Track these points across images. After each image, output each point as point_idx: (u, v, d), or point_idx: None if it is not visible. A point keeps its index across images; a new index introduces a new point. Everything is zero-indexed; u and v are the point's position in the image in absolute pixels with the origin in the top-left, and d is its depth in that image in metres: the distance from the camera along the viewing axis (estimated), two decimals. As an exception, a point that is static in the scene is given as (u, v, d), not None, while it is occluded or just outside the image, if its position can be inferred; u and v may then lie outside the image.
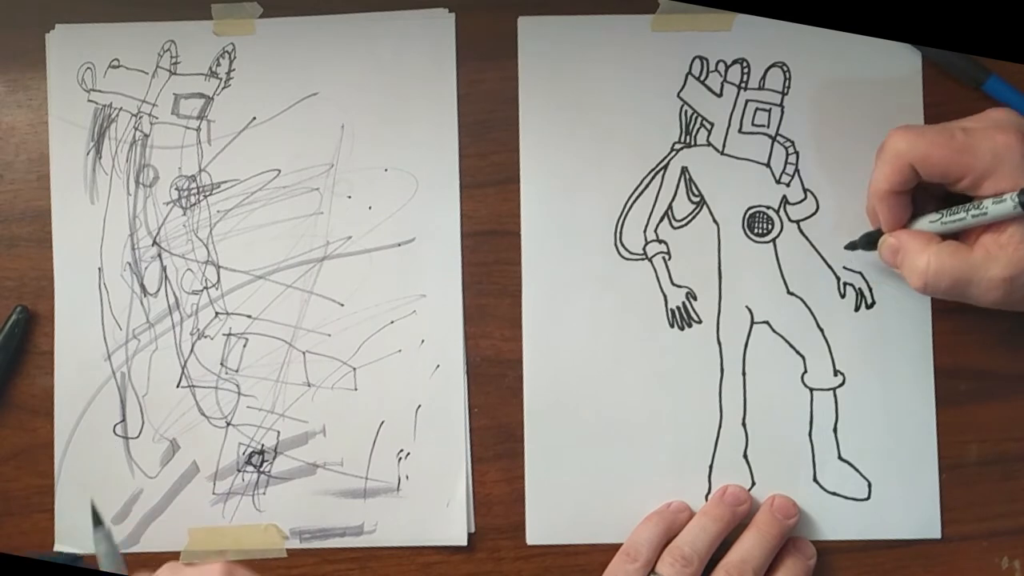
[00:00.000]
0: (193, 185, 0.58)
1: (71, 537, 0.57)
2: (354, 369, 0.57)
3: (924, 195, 0.52)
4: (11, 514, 0.57)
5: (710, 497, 0.55)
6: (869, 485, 0.56)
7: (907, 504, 0.55)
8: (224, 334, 0.57)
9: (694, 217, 0.57)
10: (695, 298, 0.56)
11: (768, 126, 0.57)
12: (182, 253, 0.57)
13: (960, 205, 0.50)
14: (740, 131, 0.57)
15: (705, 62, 0.57)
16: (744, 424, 0.56)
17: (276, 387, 0.57)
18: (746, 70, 0.57)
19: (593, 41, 0.57)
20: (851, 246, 0.55)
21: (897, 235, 0.52)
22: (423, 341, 0.57)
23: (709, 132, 0.57)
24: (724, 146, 0.57)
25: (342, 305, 0.57)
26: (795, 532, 0.55)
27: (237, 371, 0.57)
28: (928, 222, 0.51)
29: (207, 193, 0.57)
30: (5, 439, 0.57)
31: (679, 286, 0.56)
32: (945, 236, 0.51)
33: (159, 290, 0.57)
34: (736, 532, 0.54)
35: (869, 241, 0.54)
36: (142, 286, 0.57)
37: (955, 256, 0.49)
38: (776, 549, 0.54)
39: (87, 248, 0.57)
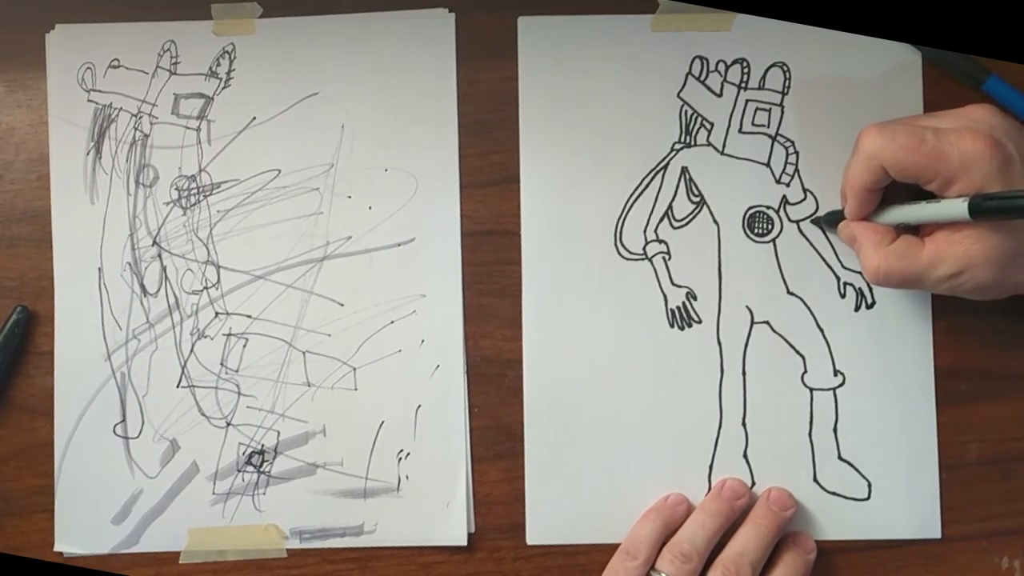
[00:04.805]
0: (193, 185, 0.58)
1: (71, 537, 0.57)
2: (354, 369, 0.57)
3: (897, 184, 0.52)
4: (11, 514, 0.57)
5: (709, 492, 0.55)
6: (869, 485, 0.56)
7: (907, 504, 0.55)
8: (224, 334, 0.57)
9: (694, 217, 0.57)
10: (695, 298, 0.56)
11: (768, 126, 0.57)
12: (182, 253, 0.57)
13: (919, 202, 0.50)
14: (740, 131, 0.57)
15: (705, 62, 0.57)
16: (744, 424, 0.56)
17: (276, 387, 0.57)
18: (746, 70, 0.57)
19: (593, 41, 0.57)
20: (816, 221, 0.56)
21: (854, 227, 0.53)
22: (423, 341, 0.57)
23: (709, 132, 0.57)
24: (724, 146, 0.57)
25: (342, 305, 0.57)
26: (795, 530, 0.55)
27: (237, 371, 0.57)
28: (888, 215, 0.52)
29: (207, 193, 0.57)
30: (5, 439, 0.57)
31: (679, 286, 0.56)
32: (903, 227, 0.52)
33: (159, 290, 0.57)
34: (735, 525, 0.54)
35: (831, 221, 0.55)
36: (142, 286, 0.57)
37: (904, 258, 0.50)
38: (773, 542, 0.54)
39: (87, 248, 0.57)
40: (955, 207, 0.48)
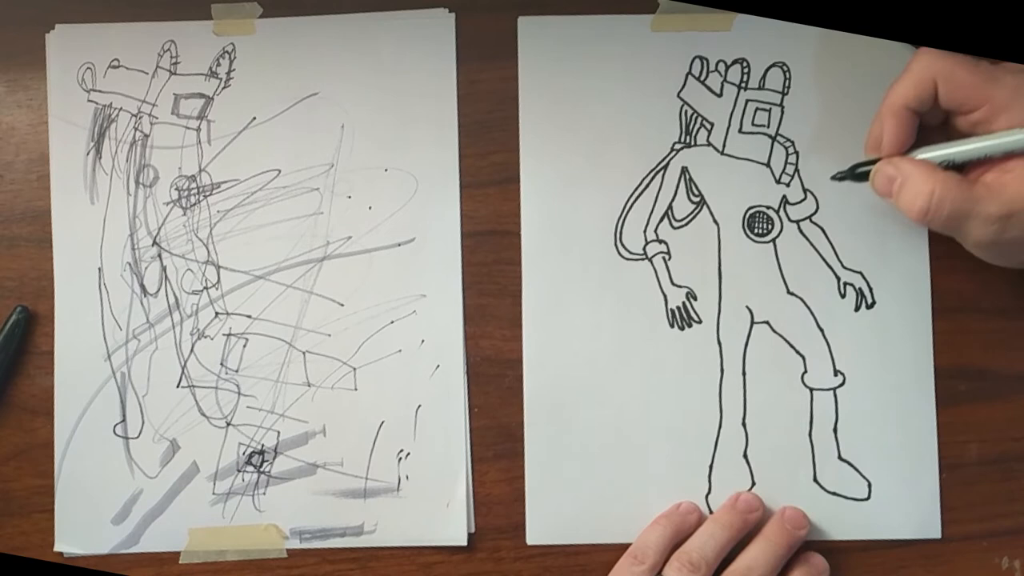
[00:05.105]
0: (193, 185, 0.58)
1: (71, 537, 0.57)
2: (354, 369, 0.57)
3: (924, 136, 0.51)
4: (11, 514, 0.57)
5: (723, 503, 0.55)
6: (869, 485, 0.56)
7: (907, 504, 0.55)
8: (224, 334, 0.57)
9: (694, 217, 0.57)
10: (695, 298, 0.56)
11: (768, 126, 0.57)
12: (182, 253, 0.57)
13: (970, 137, 0.49)
14: (740, 131, 0.57)
15: (705, 62, 0.57)
16: (744, 424, 0.56)
17: (276, 387, 0.57)
18: (746, 70, 0.57)
19: (593, 41, 0.57)
20: (838, 176, 0.54)
21: (896, 163, 0.50)
22: (423, 341, 0.57)
23: (709, 132, 0.57)
24: (724, 146, 0.57)
25: (342, 305, 0.57)
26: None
27: (237, 371, 0.57)
28: (930, 152, 0.50)
29: (207, 193, 0.57)
30: (5, 439, 0.57)
31: (679, 286, 0.56)
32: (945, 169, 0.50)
33: (159, 290, 0.57)
34: (745, 541, 0.54)
35: (858, 173, 0.53)
36: (142, 286, 0.57)
37: (959, 187, 0.47)
38: (783, 560, 0.53)
39: (87, 248, 0.57)
40: (1016, 136, 0.46)
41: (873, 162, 0.52)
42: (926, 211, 0.48)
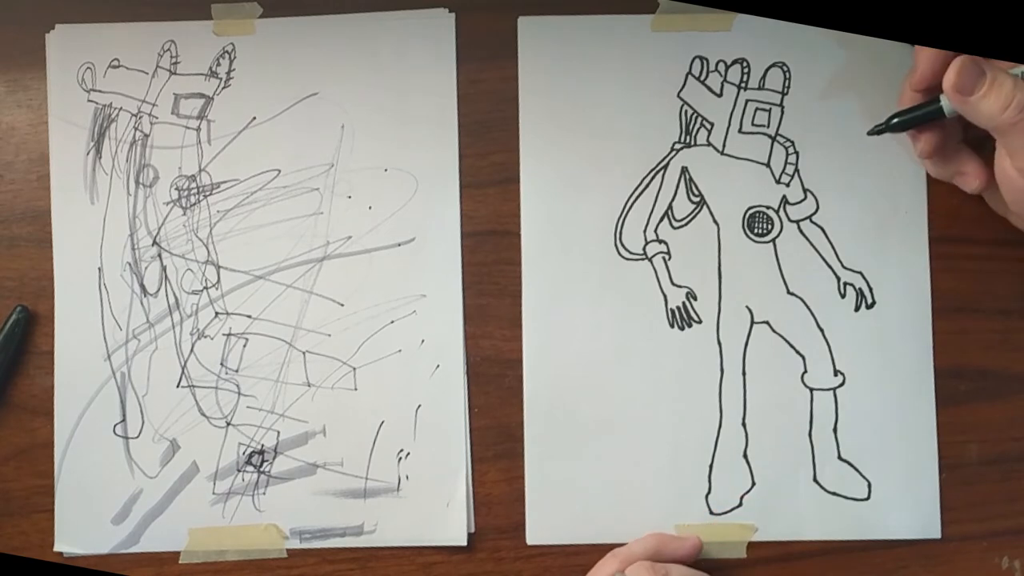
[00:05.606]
0: (193, 185, 0.58)
1: (71, 537, 0.57)
2: (354, 369, 0.57)
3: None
4: (11, 514, 0.57)
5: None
6: (869, 485, 0.56)
7: (907, 504, 0.55)
8: (224, 334, 0.57)
9: (694, 217, 0.57)
10: (695, 298, 0.56)
11: (768, 126, 0.57)
12: (182, 253, 0.57)
13: None
14: (740, 131, 0.57)
15: (705, 62, 0.57)
16: (744, 424, 0.56)
17: (276, 387, 0.57)
18: (746, 70, 0.57)
19: (593, 41, 0.57)
20: (876, 130, 0.53)
21: (982, 61, 0.48)
22: (423, 341, 0.57)
23: (709, 132, 0.57)
24: (724, 146, 0.57)
25: (342, 305, 0.57)
26: (795, 533, 0.55)
27: (237, 371, 0.57)
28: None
29: (207, 193, 0.57)
30: (5, 439, 0.57)
31: (679, 286, 0.56)
32: None
33: (159, 290, 0.57)
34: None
35: (896, 123, 0.52)
36: (142, 286, 0.57)
37: None
38: None
39: (87, 248, 0.57)
40: None
41: (912, 110, 0.52)
42: (1022, 106, 0.47)
